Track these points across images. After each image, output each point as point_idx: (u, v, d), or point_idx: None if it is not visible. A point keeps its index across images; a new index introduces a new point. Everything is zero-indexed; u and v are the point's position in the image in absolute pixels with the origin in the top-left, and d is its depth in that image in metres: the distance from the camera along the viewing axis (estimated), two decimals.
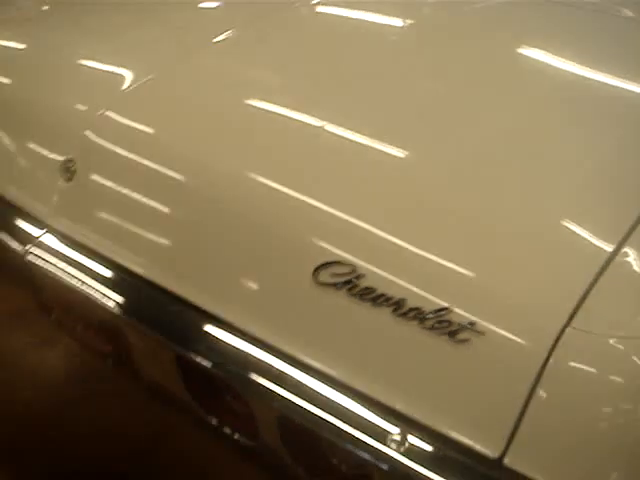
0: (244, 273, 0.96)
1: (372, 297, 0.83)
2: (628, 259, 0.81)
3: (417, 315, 0.80)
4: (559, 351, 0.73)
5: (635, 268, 0.80)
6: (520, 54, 1.35)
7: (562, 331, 0.74)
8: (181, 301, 0.99)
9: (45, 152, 1.23)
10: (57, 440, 1.83)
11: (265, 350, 0.91)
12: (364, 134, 1.04)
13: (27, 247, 1.18)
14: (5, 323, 2.24)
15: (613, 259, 0.80)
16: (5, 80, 1.43)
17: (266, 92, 1.17)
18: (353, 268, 0.85)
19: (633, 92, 1.19)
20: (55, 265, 1.15)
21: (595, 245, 0.83)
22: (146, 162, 1.09)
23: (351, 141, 1.05)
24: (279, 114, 1.12)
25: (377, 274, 0.84)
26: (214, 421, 1.06)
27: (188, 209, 1.03)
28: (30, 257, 1.18)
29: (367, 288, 0.83)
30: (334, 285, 0.85)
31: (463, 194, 0.94)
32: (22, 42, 1.55)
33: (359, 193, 0.94)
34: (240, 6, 1.57)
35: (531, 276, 0.81)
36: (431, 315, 0.79)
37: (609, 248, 0.81)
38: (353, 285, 0.84)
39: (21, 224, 1.23)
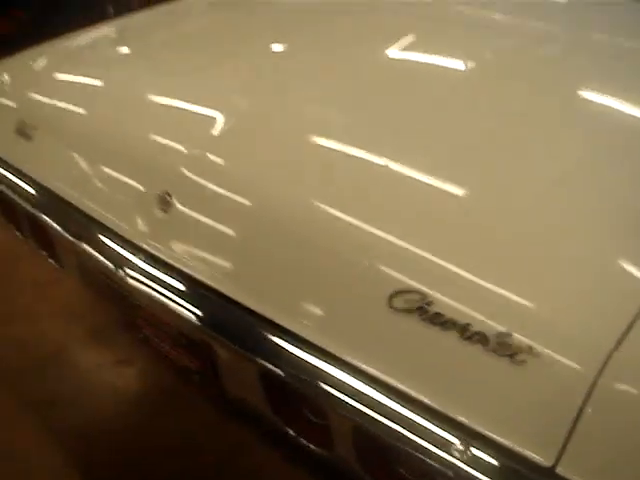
0: (326, 298, 1.08)
1: (441, 322, 0.94)
2: None
3: (481, 338, 0.91)
4: (606, 373, 0.83)
5: None
6: (580, 99, 1.45)
7: (610, 355, 0.83)
8: (267, 321, 1.11)
9: (143, 184, 1.36)
10: (131, 455, 1.97)
11: (343, 367, 1.02)
12: (434, 173, 1.16)
13: (123, 269, 1.32)
14: (82, 342, 2.41)
15: None
16: (101, 114, 1.59)
17: (347, 133, 1.30)
18: (424, 296, 0.96)
19: None
20: (150, 286, 1.28)
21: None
22: (237, 198, 1.22)
23: (420, 180, 1.17)
24: (359, 155, 1.24)
25: (445, 302, 0.95)
26: (291, 432, 1.18)
27: (277, 241, 1.15)
28: (126, 278, 1.31)
29: (436, 314, 0.94)
30: (407, 310, 0.97)
31: (521, 229, 1.05)
32: (112, 80, 1.72)
33: (431, 228, 1.06)
34: (313, 53, 1.71)
35: (583, 305, 0.91)
36: (493, 339, 0.90)
37: None
38: (424, 311, 0.95)
39: (116, 247, 1.37)
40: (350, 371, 1.01)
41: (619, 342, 0.84)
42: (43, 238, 1.63)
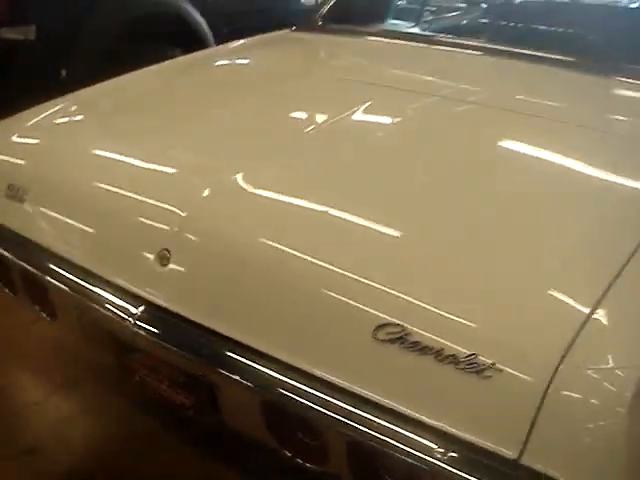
0: (320, 335, 1.28)
1: (418, 348, 1.15)
2: (601, 317, 1.13)
3: (452, 360, 1.12)
4: (555, 381, 1.05)
5: (606, 322, 1.13)
6: (497, 151, 1.77)
7: (557, 367, 1.06)
8: (267, 357, 1.30)
9: (142, 242, 1.53)
10: None
11: (337, 391, 1.21)
12: (398, 227, 1.40)
13: (129, 319, 1.48)
14: (54, 393, 2.51)
15: (592, 315, 1.12)
16: (94, 176, 1.74)
17: (323, 191, 1.54)
18: (403, 328, 1.17)
19: (600, 185, 1.56)
20: (153, 332, 1.45)
21: (577, 307, 1.16)
22: (230, 251, 1.42)
23: (391, 233, 1.40)
24: (338, 214, 1.46)
25: (421, 332, 1.16)
26: (288, 453, 1.36)
27: (271, 290, 1.35)
28: (130, 326, 1.48)
29: (414, 342, 1.15)
30: (389, 340, 1.17)
31: (476, 267, 1.28)
32: (100, 142, 1.90)
33: (406, 272, 1.28)
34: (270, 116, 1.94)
35: (534, 329, 1.13)
36: (463, 359, 1.11)
37: (587, 309, 1.14)
38: (404, 340, 1.16)
39: (119, 300, 1.53)
40: (344, 395, 1.21)
41: (563, 357, 1.07)
42: (37, 294, 1.77)
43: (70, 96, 2.26)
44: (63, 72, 3.52)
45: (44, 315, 1.83)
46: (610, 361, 1.08)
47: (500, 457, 1.07)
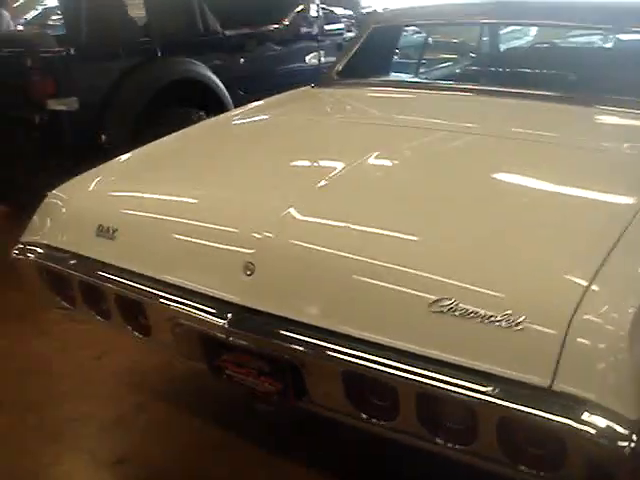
0: (387, 312, 1.64)
1: (466, 314, 1.51)
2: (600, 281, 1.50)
3: (490, 318, 1.48)
4: (571, 327, 1.42)
5: (603, 284, 1.49)
6: (503, 169, 2.20)
7: (571, 318, 1.43)
8: (345, 336, 1.65)
9: (229, 252, 1.90)
10: None
11: (403, 355, 1.57)
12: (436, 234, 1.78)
13: (224, 321, 1.83)
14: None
15: (593, 279, 1.49)
16: (176, 208, 2.16)
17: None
18: (453, 300, 1.53)
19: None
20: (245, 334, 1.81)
21: (582, 273, 1.52)
22: (308, 253, 1.79)
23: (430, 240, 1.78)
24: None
25: (467, 303, 1.53)
26: (364, 416, 1.69)
27: (341, 285, 1.72)
28: (228, 328, 1.82)
29: (463, 309, 1.52)
30: (443, 310, 1.54)
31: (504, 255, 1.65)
32: (176, 179, 2.32)
33: (453, 261, 1.66)
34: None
35: (554, 293, 1.51)
36: (500, 318, 1.47)
37: (589, 276, 1.50)
38: (454, 309, 1.53)
39: (213, 308, 1.87)
40: (408, 356, 1.56)
41: (576, 310, 1.44)
42: (130, 315, 2.12)
43: (128, 155, 2.65)
44: (103, 137, 3.93)
45: (136, 334, 2.16)
46: (608, 308, 1.45)
47: (537, 387, 1.42)
